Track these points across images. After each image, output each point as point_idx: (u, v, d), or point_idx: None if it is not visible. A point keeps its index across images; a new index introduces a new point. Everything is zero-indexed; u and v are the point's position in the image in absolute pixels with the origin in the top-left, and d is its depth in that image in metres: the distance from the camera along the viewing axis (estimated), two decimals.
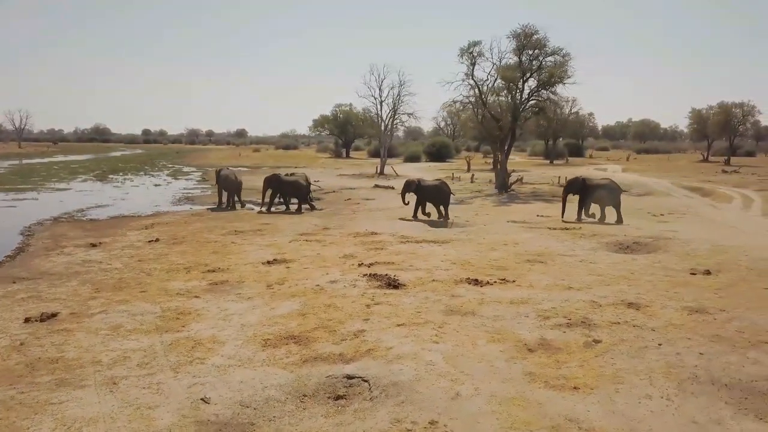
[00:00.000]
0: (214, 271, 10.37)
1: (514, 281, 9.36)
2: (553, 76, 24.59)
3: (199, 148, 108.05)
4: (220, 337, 6.96)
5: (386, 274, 9.67)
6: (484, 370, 5.77)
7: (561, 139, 64.62)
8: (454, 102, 27.26)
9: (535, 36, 24.81)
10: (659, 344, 6.37)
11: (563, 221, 16.29)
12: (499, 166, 26.34)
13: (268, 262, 10.97)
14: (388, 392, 5.36)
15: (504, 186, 25.44)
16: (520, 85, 25.52)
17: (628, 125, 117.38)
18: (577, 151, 65.86)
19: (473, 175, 33.66)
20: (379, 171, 36.69)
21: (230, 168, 23.15)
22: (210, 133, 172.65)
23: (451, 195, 17.67)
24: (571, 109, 55.20)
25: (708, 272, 9.83)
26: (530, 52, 25.12)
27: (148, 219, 17.56)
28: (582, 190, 16.63)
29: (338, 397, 5.43)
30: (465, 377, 5.59)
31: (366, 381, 5.64)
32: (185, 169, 44.75)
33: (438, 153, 57.75)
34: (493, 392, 5.27)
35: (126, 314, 7.89)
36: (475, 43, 25.21)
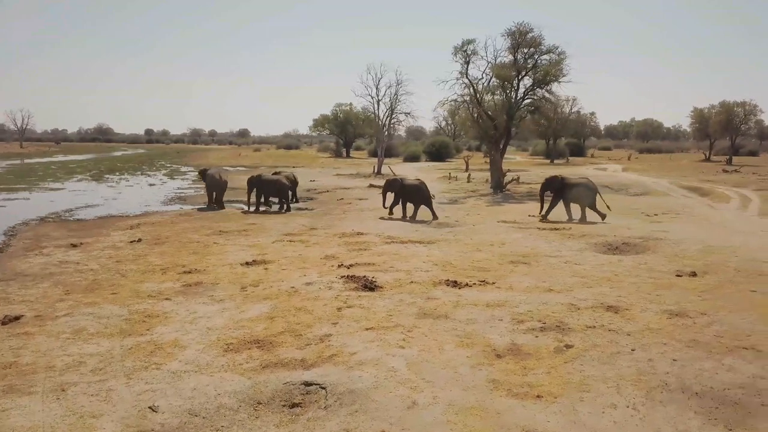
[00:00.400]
0: (190, 272, 10.17)
1: (493, 283, 9.13)
2: (548, 74, 24.32)
3: (200, 148, 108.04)
4: (183, 341, 6.75)
5: (364, 276, 9.45)
6: (446, 377, 5.54)
7: (563, 139, 64.28)
8: (449, 101, 26.91)
9: (530, 34, 24.56)
10: (632, 350, 6.13)
11: (542, 220, 16.30)
12: (494, 166, 26.04)
13: (247, 263, 10.76)
14: (343, 400, 5.15)
15: (499, 186, 25.18)
16: (515, 83, 25.25)
17: (631, 125, 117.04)
18: (578, 151, 65.52)
19: (469, 174, 33.41)
20: (376, 171, 36.46)
21: (218, 167, 23.00)
22: (213, 133, 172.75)
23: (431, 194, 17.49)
24: (571, 109, 54.88)
25: (694, 274, 9.58)
26: (525, 51, 24.87)
27: (136, 219, 17.39)
28: (560, 188, 16.59)
29: (293, 405, 5.21)
30: (425, 385, 5.37)
31: (324, 388, 5.43)
32: (183, 169, 44.59)
33: (438, 153, 57.47)
34: (451, 401, 5.04)
35: (92, 317, 7.69)
36: (469, 42, 24.95)
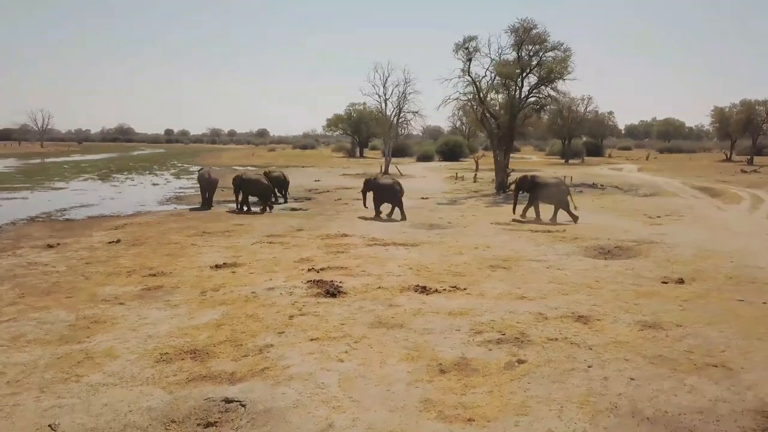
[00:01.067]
0: (155, 275, 9.82)
1: (465, 289, 8.64)
2: (552, 71, 23.63)
3: (217, 148, 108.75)
4: (117, 351, 6.38)
5: (331, 281, 9.02)
6: (377, 395, 5.09)
7: (583, 138, 63.23)
8: (452, 99, 26.31)
9: (534, 30, 23.89)
10: (589, 366, 5.61)
11: (514, 220, 16.21)
12: (497, 166, 25.43)
13: (216, 266, 10.40)
14: (256, 421, 4.72)
15: (502, 186, 24.57)
16: (518, 81, 24.59)
17: (652, 124, 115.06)
18: (596, 151, 64.47)
19: (476, 174, 32.79)
20: (383, 170, 36.02)
21: (209, 166, 22.81)
22: (232, 133, 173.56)
23: (403, 194, 17.13)
24: (586, 108, 53.88)
25: (681, 281, 8.99)
26: (529, 48, 24.19)
27: (125, 219, 17.17)
28: (531, 188, 16.35)
29: (208, 425, 4.80)
30: (350, 404, 4.91)
31: (244, 406, 5.01)
32: (192, 169, 44.54)
33: (451, 152, 56.88)
34: (371, 424, 4.58)
35: (35, 323, 7.36)
36: (471, 39, 24.34)
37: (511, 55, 24.70)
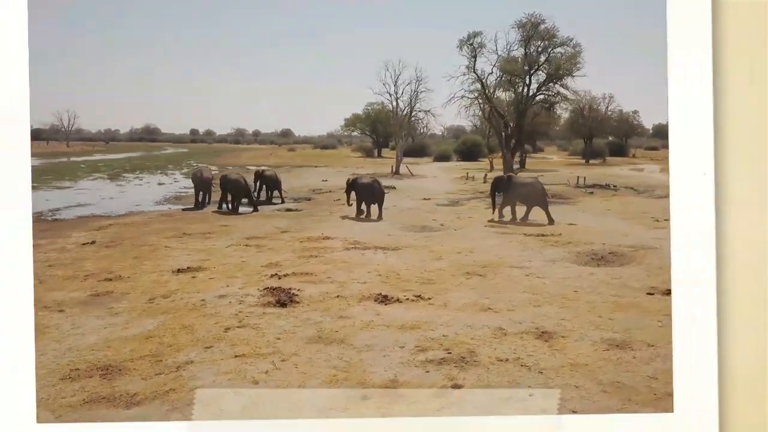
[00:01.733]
0: (111, 279, 9.35)
1: (429, 299, 7.98)
2: (560, 68, 22.70)
3: (239, 148, 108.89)
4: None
5: (288, 289, 8.43)
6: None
7: (610, 138, 61.82)
8: (458, 97, 25.51)
9: (542, 26, 22.97)
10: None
11: (490, 221, 15.08)
12: (505, 165, 24.61)
13: (179, 270, 9.88)
14: None
15: None
16: (526, 78, 23.71)
17: None
18: (619, 151, 63.01)
19: (486, 175, 31.92)
20: (393, 171, 35.37)
21: (204, 165, 22.38)
22: (256, 133, 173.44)
23: (384, 193, 16.52)
24: (608, 106, 52.59)
25: (669, 292, 8.17)
26: (538, 44, 23.31)
27: (114, 219, 16.73)
28: (506, 188, 15.63)
29: None
30: None
31: None
32: None
33: (469, 152, 55.81)
34: None
35: None
36: (476, 34, 23.46)
37: (518, 51, 23.84)
